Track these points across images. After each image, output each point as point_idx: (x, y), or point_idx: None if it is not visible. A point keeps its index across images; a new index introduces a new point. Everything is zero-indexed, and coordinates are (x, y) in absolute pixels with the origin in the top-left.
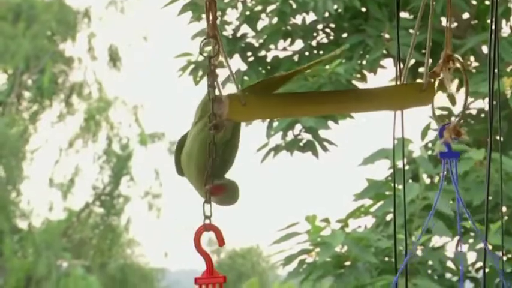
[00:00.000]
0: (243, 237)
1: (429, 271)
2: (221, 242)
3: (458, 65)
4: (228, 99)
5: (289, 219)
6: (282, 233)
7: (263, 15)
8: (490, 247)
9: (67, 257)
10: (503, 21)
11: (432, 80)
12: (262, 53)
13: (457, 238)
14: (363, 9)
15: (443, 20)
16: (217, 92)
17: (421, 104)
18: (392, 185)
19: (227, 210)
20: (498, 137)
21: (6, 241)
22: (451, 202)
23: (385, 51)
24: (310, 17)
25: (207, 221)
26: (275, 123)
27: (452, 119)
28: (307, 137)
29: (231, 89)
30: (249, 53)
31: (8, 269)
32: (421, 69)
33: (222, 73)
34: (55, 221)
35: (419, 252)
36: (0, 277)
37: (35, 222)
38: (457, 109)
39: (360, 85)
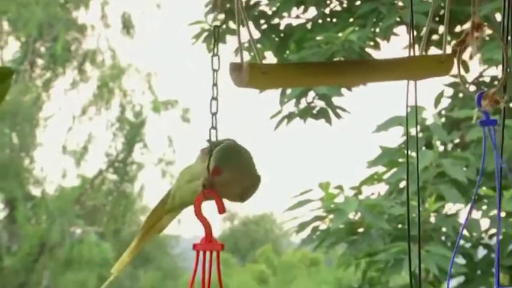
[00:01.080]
0: (257, 204)
1: (442, 238)
2: (221, 209)
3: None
4: (249, 67)
5: (303, 186)
6: (296, 200)
7: None
8: (504, 214)
9: (80, 223)
10: None
11: (450, 52)
12: (276, 20)
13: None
14: None
15: None
16: (237, 60)
17: (440, 75)
18: (406, 152)
19: None
20: None
21: (20, 208)
22: (465, 169)
23: (398, 19)
24: None
25: (207, 189)
26: (288, 91)
27: (467, 85)
28: (320, 104)
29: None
30: (262, 21)
31: (21, 235)
32: (434, 37)
33: (233, 41)
34: (68, 188)
35: (432, 219)
36: (14, 243)
37: (49, 189)
38: (471, 76)
39: (374, 53)
